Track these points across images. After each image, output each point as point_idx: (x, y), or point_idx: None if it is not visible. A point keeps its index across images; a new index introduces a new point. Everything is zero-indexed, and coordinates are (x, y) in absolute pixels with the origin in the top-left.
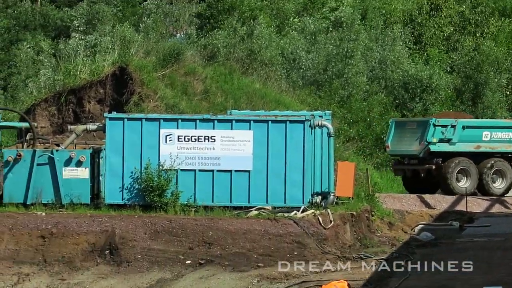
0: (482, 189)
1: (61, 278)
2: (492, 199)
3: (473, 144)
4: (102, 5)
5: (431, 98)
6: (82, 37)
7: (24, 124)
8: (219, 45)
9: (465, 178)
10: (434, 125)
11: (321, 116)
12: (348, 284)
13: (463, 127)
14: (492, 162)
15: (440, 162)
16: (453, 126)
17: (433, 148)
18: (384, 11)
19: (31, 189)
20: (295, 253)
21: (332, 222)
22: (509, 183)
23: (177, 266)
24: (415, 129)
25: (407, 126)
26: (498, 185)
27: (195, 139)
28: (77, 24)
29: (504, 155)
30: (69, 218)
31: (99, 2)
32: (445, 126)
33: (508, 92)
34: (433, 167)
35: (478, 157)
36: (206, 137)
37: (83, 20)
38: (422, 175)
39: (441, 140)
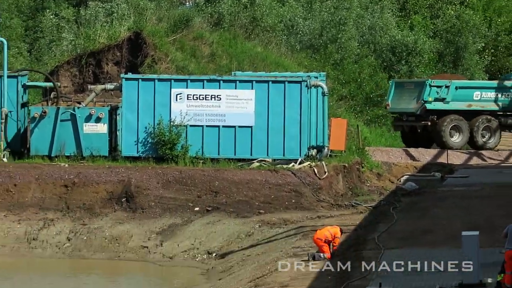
0: (472, 144)
1: (82, 223)
2: (470, 152)
3: (465, 103)
4: None
5: (416, 61)
6: (101, 5)
7: (49, 84)
8: (224, 12)
9: (458, 133)
10: (430, 86)
11: (316, 77)
12: (341, 229)
13: (456, 88)
14: (486, 118)
15: (435, 119)
16: (447, 87)
17: (429, 106)
18: None
19: (55, 143)
20: (293, 201)
21: (326, 173)
22: (496, 138)
23: (186, 212)
24: (413, 89)
25: (405, 86)
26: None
27: (203, 97)
28: None
29: (492, 113)
30: (89, 169)
31: None
32: (440, 87)
33: (486, 55)
34: (429, 123)
35: (469, 115)
36: (213, 96)
37: None
38: (419, 130)
39: (436, 99)
